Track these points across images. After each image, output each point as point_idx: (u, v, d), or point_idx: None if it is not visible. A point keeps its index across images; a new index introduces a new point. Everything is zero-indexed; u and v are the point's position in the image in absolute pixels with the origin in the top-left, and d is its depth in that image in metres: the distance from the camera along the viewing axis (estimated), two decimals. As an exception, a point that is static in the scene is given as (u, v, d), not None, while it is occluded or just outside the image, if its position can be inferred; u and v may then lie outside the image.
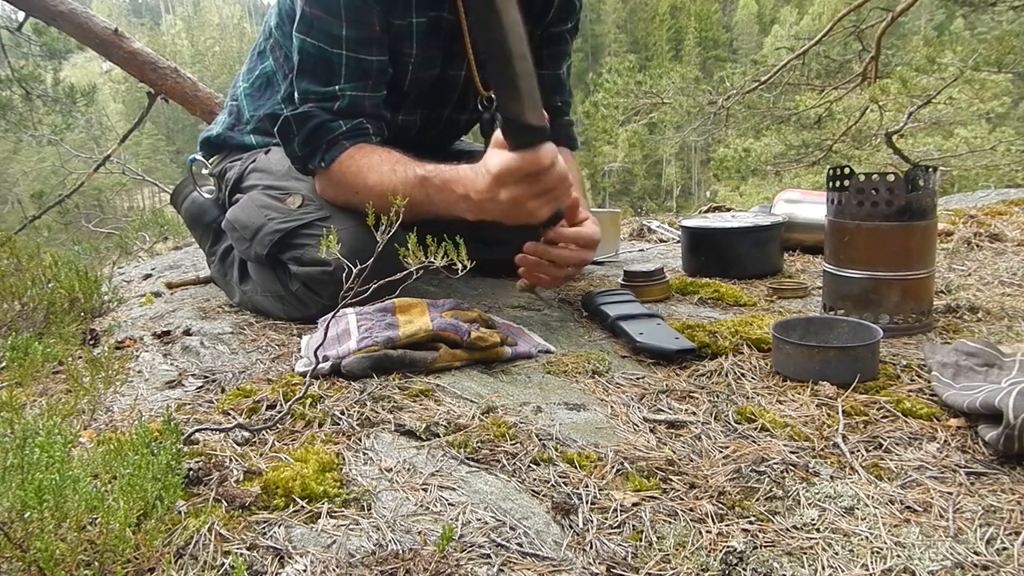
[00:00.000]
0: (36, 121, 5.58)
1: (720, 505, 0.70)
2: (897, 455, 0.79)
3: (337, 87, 1.30)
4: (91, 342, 1.34)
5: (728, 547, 0.63)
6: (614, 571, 0.61)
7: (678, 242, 2.11)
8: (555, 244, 1.31)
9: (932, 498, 0.71)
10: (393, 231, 0.98)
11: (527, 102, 1.07)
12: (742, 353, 1.11)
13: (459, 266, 0.99)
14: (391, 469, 0.78)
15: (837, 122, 7.13)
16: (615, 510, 0.69)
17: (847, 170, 1.22)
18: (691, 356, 1.12)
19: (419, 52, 1.38)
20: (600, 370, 1.07)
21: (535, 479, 0.75)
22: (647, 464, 0.78)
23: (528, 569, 0.61)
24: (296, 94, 1.33)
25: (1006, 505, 0.69)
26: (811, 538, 0.64)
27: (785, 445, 0.82)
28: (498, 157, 1.12)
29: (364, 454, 0.82)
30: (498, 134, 1.13)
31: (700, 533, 0.66)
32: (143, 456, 0.62)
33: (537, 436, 0.84)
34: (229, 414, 0.94)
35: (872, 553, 0.62)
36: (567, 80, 1.65)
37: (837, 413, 0.89)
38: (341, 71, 1.30)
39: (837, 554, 0.62)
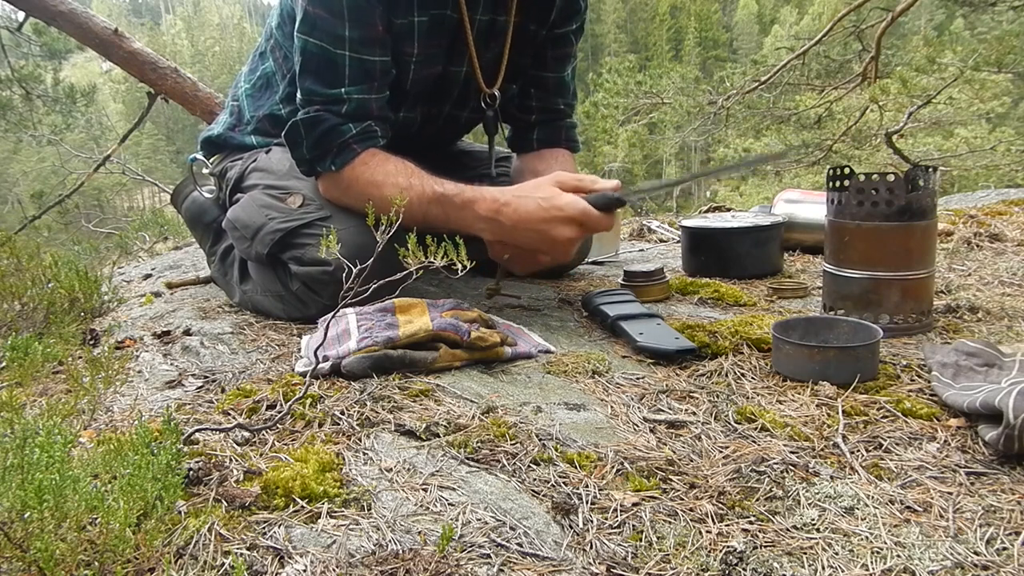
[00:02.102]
0: (36, 121, 5.58)
1: (720, 505, 0.70)
2: (897, 455, 0.79)
3: (343, 90, 1.30)
4: (91, 342, 1.34)
5: (728, 547, 0.63)
6: (614, 571, 0.61)
7: (678, 242, 2.11)
8: None
9: (932, 498, 0.71)
10: (393, 231, 0.98)
11: (635, 191, 1.34)
12: (742, 353, 1.11)
13: (459, 266, 0.99)
14: (391, 469, 0.78)
15: (837, 122, 7.13)
16: (615, 510, 0.69)
17: (847, 170, 1.22)
18: (691, 356, 1.12)
19: (421, 51, 1.38)
20: (600, 370, 1.07)
21: (535, 479, 0.75)
22: (647, 464, 0.78)
23: (528, 569, 0.61)
24: (299, 94, 1.33)
25: (1006, 505, 0.69)
26: (811, 538, 0.64)
27: (785, 445, 0.82)
28: (580, 203, 1.24)
29: (364, 454, 0.82)
30: (560, 176, 1.28)
31: (700, 533, 0.66)
32: (143, 456, 0.62)
33: (537, 436, 0.84)
34: (229, 414, 0.94)
35: (872, 553, 0.62)
36: (571, 82, 1.65)
37: (837, 413, 0.89)
38: (345, 72, 1.30)
39: (837, 554, 0.62)
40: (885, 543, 0.63)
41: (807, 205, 1.90)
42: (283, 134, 1.36)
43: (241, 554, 0.63)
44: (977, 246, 1.84)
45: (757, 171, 8.13)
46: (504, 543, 0.65)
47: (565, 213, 1.22)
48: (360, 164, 1.32)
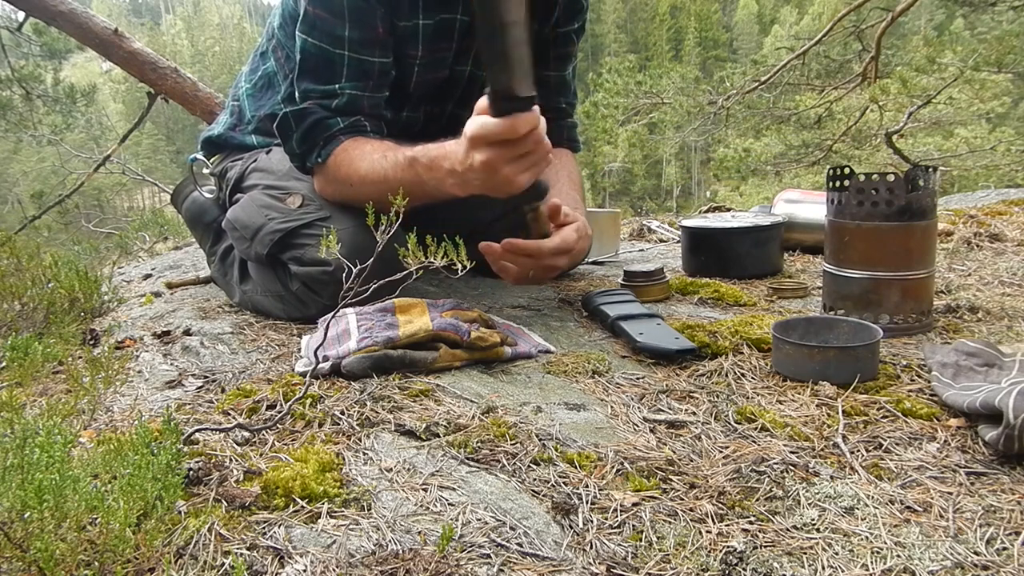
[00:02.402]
0: (36, 121, 5.59)
1: (720, 505, 0.70)
2: (897, 455, 0.79)
3: (337, 86, 1.30)
4: (91, 342, 1.34)
5: (728, 547, 0.63)
6: (614, 571, 0.61)
7: (678, 242, 2.11)
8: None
9: (932, 498, 0.71)
10: (393, 231, 0.98)
11: (516, 71, 1.05)
12: (742, 353, 1.11)
13: (459, 266, 0.99)
14: (391, 469, 0.78)
15: (837, 122, 7.13)
16: (615, 510, 0.69)
17: (847, 170, 1.22)
18: (691, 356, 1.12)
19: (425, 54, 1.38)
20: (600, 370, 1.07)
21: (535, 479, 0.75)
22: (647, 464, 0.78)
23: (528, 569, 0.61)
24: (297, 93, 1.33)
25: (1006, 505, 0.69)
26: (811, 538, 0.64)
27: (785, 445, 0.82)
28: (474, 121, 1.09)
29: (364, 454, 0.82)
30: (481, 101, 1.10)
31: (700, 533, 0.66)
32: (143, 456, 0.62)
33: (537, 436, 0.84)
34: (229, 414, 0.94)
35: (872, 553, 0.62)
36: (572, 81, 1.64)
37: (837, 413, 0.89)
38: (343, 71, 1.30)
39: (837, 554, 0.62)
40: (885, 543, 0.63)
41: (807, 205, 1.90)
42: (275, 126, 1.36)
43: (241, 554, 0.63)
44: (977, 246, 1.84)
45: (757, 171, 8.11)
46: (504, 543, 0.65)
47: (468, 134, 1.10)
48: (341, 151, 1.32)
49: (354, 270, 0.98)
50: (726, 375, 1.04)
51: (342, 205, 1.35)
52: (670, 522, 0.68)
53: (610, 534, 0.66)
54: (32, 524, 0.54)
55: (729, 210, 2.75)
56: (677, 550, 0.63)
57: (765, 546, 0.64)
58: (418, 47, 1.36)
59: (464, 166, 1.13)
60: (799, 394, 0.96)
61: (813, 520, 0.67)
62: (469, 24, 1.39)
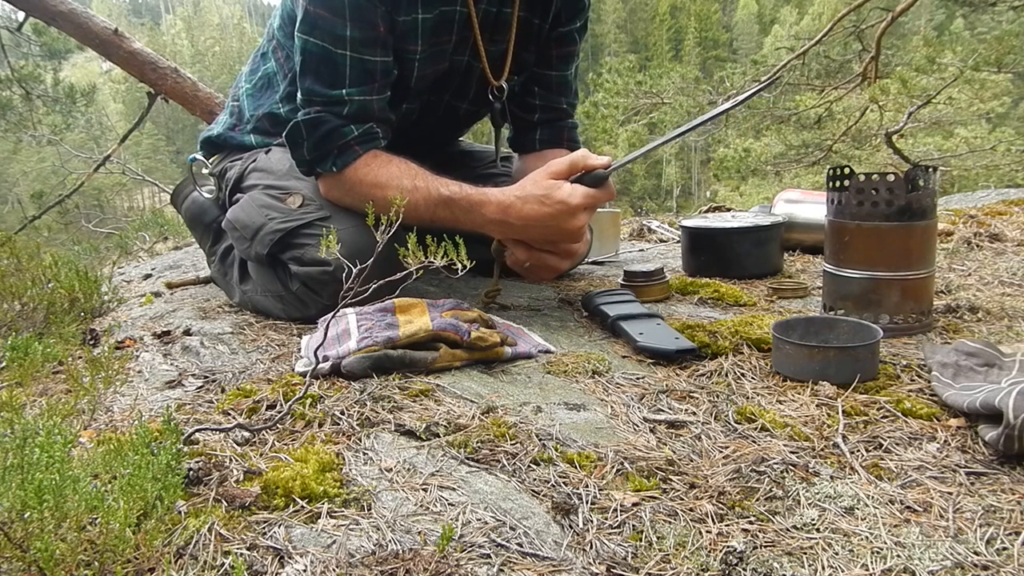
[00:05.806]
0: (36, 121, 5.59)
1: (720, 505, 0.70)
2: (897, 455, 0.79)
3: (344, 91, 1.30)
4: (91, 342, 1.34)
5: (728, 547, 0.63)
6: (614, 571, 0.61)
7: (678, 242, 2.11)
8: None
9: (932, 498, 0.71)
10: (393, 231, 0.98)
11: (624, 162, 1.33)
12: (742, 353, 1.11)
13: (459, 266, 0.99)
14: (391, 469, 0.78)
15: (837, 122, 7.13)
16: (615, 510, 0.69)
17: (847, 170, 1.22)
18: (691, 356, 1.12)
19: (425, 48, 1.38)
20: (600, 370, 1.07)
21: (535, 479, 0.75)
22: (647, 464, 0.78)
23: (528, 569, 0.61)
24: (300, 94, 1.33)
25: (1006, 505, 0.69)
26: (811, 538, 0.64)
27: (785, 445, 0.82)
28: (579, 191, 1.25)
29: (364, 454, 0.82)
30: (552, 167, 1.27)
31: (700, 533, 0.66)
32: (143, 456, 0.62)
33: (537, 436, 0.84)
34: (229, 414, 0.94)
35: (872, 553, 0.62)
36: (574, 81, 1.64)
37: (837, 413, 0.89)
38: (346, 72, 1.30)
39: (837, 554, 0.62)
40: (885, 543, 0.63)
41: (807, 205, 1.90)
42: (284, 134, 1.36)
43: (241, 554, 0.63)
44: (977, 246, 1.84)
45: (757, 171, 8.11)
46: (504, 543, 0.65)
47: (569, 205, 1.23)
48: (363, 166, 1.32)
49: (354, 270, 0.98)
50: (726, 375, 1.04)
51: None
52: (670, 522, 0.68)
53: (610, 534, 0.66)
54: (32, 524, 0.54)
55: (729, 210, 2.75)
56: (677, 550, 0.63)
57: (765, 546, 0.64)
58: (418, 41, 1.36)
59: (536, 223, 1.26)
60: (799, 394, 0.96)
61: (813, 520, 0.67)
62: (467, 16, 1.39)
